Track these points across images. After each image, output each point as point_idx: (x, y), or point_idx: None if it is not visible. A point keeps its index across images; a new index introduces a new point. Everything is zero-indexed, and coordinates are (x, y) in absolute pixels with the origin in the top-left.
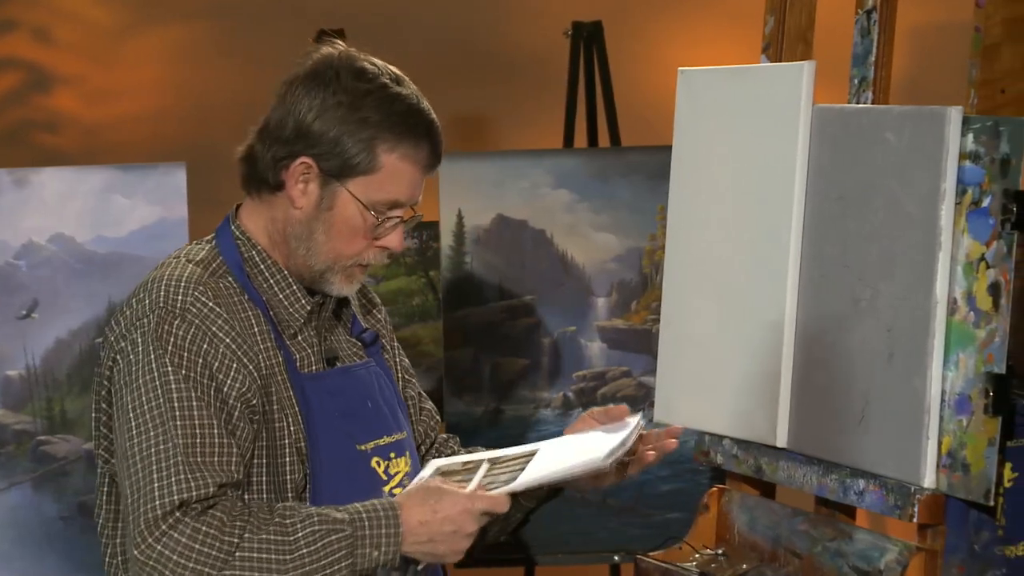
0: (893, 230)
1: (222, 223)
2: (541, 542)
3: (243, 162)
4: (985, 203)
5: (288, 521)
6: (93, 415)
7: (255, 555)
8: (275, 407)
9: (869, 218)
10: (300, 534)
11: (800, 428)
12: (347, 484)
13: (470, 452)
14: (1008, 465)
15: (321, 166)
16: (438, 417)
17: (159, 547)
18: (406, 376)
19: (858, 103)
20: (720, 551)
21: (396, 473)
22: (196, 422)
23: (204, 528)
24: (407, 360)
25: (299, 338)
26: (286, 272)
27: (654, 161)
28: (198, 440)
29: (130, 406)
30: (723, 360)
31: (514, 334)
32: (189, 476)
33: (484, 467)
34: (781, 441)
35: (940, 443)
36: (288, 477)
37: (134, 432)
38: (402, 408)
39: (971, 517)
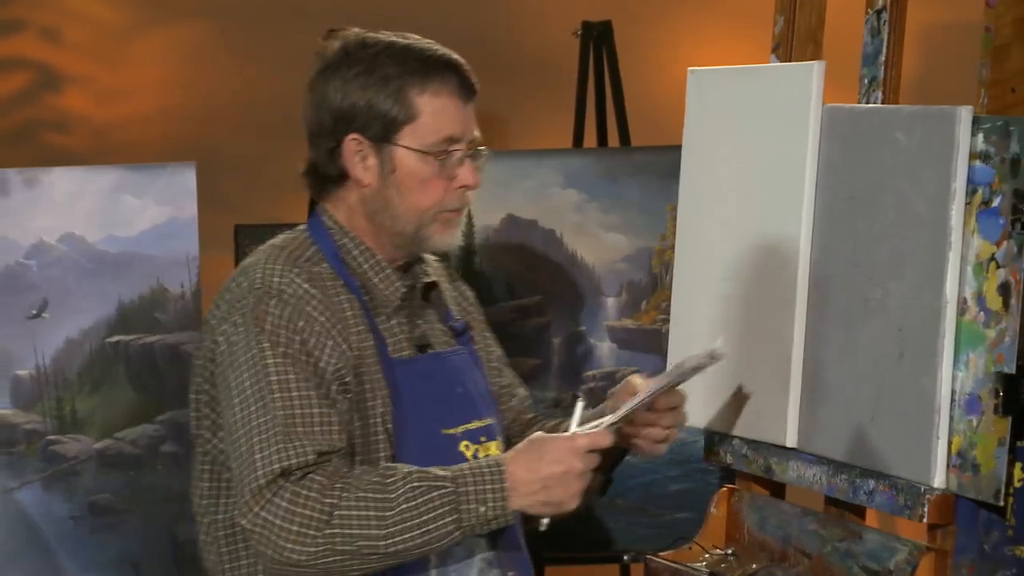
0: (903, 230)
1: (311, 217)
2: (550, 542)
3: (307, 176)
4: (995, 203)
5: (388, 480)
6: (193, 396)
7: (355, 512)
8: (366, 388)
9: (879, 218)
10: (400, 491)
11: (810, 428)
12: (434, 466)
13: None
14: (1018, 465)
15: (368, 136)
16: (530, 403)
17: (264, 514)
18: (498, 365)
19: (868, 103)
20: (730, 551)
21: (486, 457)
22: (294, 395)
23: (304, 492)
24: (499, 350)
25: (392, 323)
26: (379, 257)
27: (664, 161)
28: (296, 412)
29: (233, 384)
30: (733, 360)
31: (524, 334)
32: (288, 446)
33: (578, 411)
34: (791, 441)
35: (950, 443)
36: (380, 456)
37: (237, 409)
38: (491, 396)
39: (981, 517)
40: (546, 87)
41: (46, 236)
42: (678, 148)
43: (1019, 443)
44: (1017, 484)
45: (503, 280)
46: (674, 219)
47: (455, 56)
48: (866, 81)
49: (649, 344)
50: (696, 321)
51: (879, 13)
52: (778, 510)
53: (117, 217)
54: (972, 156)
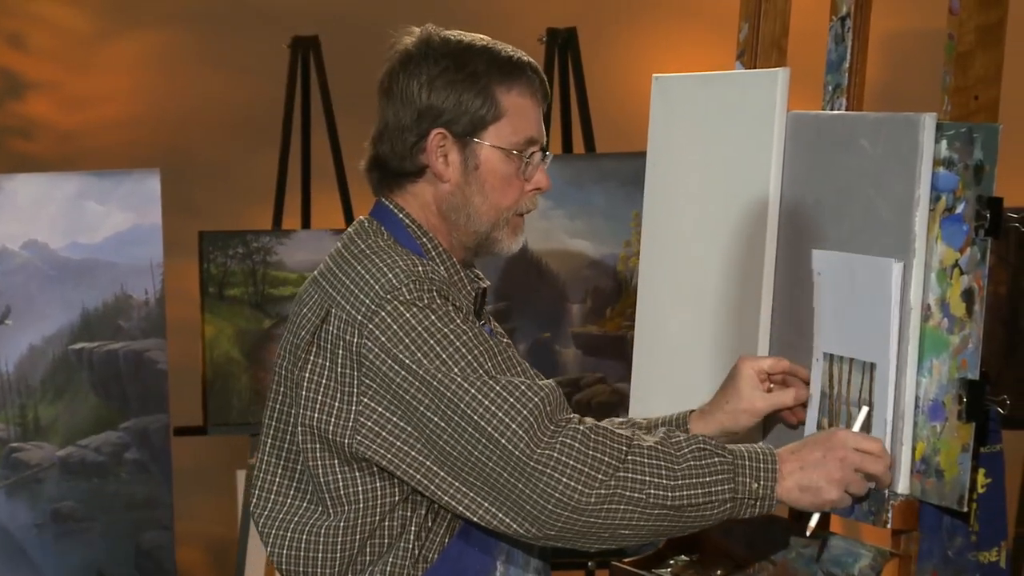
0: (868, 236)
1: (379, 214)
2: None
3: (370, 171)
4: (959, 209)
5: (673, 439)
6: (276, 406)
7: (646, 460)
8: None
9: (844, 224)
10: (686, 449)
11: (776, 435)
12: None
13: None
14: (982, 471)
15: (453, 131)
16: None
17: (552, 452)
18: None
19: (832, 110)
20: (694, 557)
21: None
22: (488, 345)
23: (593, 435)
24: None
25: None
26: (455, 259)
27: (629, 167)
28: (500, 358)
29: (419, 364)
30: (698, 366)
31: None
32: (534, 382)
33: (863, 415)
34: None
35: (914, 449)
36: None
37: (437, 384)
38: None
39: (945, 523)
40: None
41: (9, 243)
42: (643, 155)
43: (983, 449)
44: (980, 490)
45: None
46: (639, 226)
47: (532, 60)
48: (830, 88)
49: (614, 350)
50: (661, 328)
51: (843, 20)
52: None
53: (81, 224)
54: (936, 163)
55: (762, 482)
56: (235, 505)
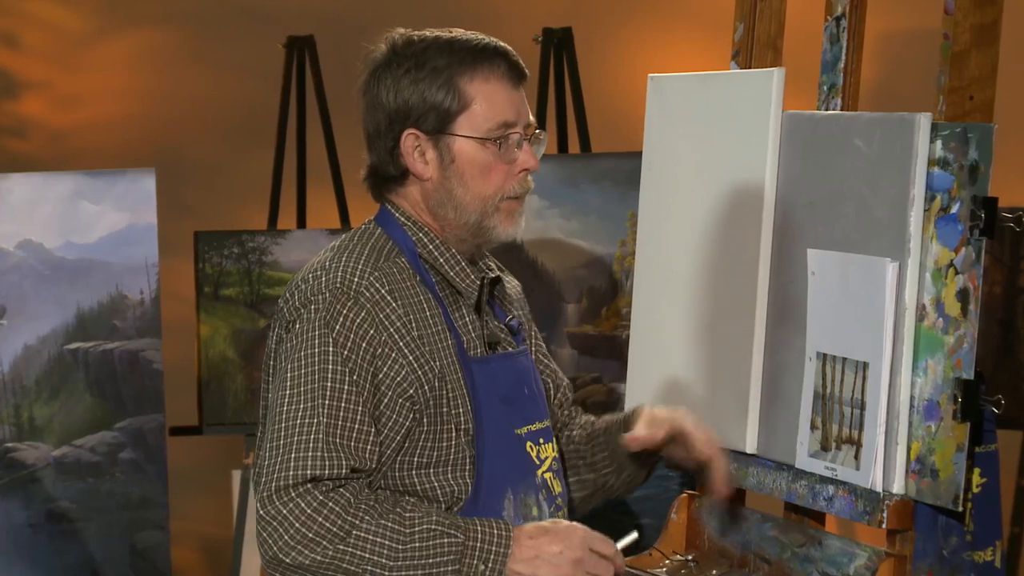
0: (863, 236)
1: (380, 214)
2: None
3: (368, 180)
4: (954, 209)
5: (408, 515)
6: (263, 386)
7: (371, 537)
8: (448, 390)
9: (839, 224)
10: (417, 528)
11: (769, 434)
12: (508, 466)
13: None
14: (976, 471)
15: (424, 129)
16: (569, 396)
17: (285, 511)
18: (544, 359)
19: (827, 109)
20: (690, 557)
21: (546, 458)
22: (344, 404)
23: (331, 504)
24: (542, 343)
25: (466, 320)
26: (455, 250)
27: (624, 167)
28: (341, 422)
29: (289, 376)
30: (693, 366)
31: None
32: (326, 455)
33: (629, 539)
34: (751, 447)
35: (909, 449)
36: (454, 457)
37: (287, 401)
38: (546, 398)
39: (940, 522)
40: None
41: (3, 243)
42: (639, 154)
43: (977, 449)
44: (975, 490)
45: None
46: (634, 226)
47: (501, 43)
48: (825, 88)
49: (609, 350)
50: (656, 328)
51: (838, 20)
52: (738, 516)
53: (76, 223)
54: (931, 163)
55: (490, 564)
56: (231, 505)
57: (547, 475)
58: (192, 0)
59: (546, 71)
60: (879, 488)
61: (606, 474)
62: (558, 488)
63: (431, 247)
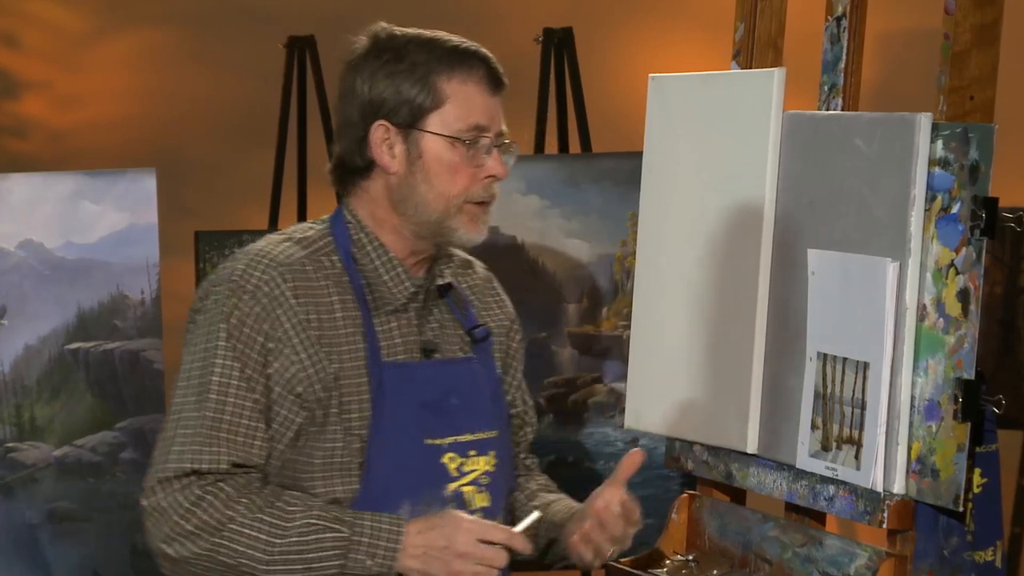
0: (863, 236)
1: (335, 211)
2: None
3: (333, 172)
4: (954, 209)
5: (290, 508)
6: None
7: (246, 531)
8: (344, 394)
9: (839, 224)
10: (296, 523)
11: (770, 434)
12: (409, 476)
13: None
14: (977, 471)
15: (395, 122)
16: (528, 436)
17: (164, 504)
18: (512, 383)
19: (828, 109)
20: (691, 557)
21: (471, 471)
22: (229, 400)
23: (209, 497)
24: (521, 377)
25: (393, 324)
26: (392, 254)
27: (625, 167)
28: (226, 418)
29: (183, 367)
30: (694, 366)
31: None
32: (206, 449)
33: (531, 519)
34: (752, 447)
35: (910, 449)
36: (341, 461)
37: (178, 393)
38: (500, 410)
39: (941, 522)
40: (507, 93)
41: (4, 242)
42: (639, 154)
43: (978, 449)
44: (976, 490)
45: None
46: (635, 226)
47: (483, 49)
48: (826, 88)
49: (610, 350)
50: (656, 327)
51: (839, 20)
52: (739, 516)
53: (76, 223)
54: (931, 163)
55: (378, 559)
56: None
57: (467, 488)
58: (192, 0)
59: (546, 71)
60: (880, 488)
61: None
62: (480, 503)
63: (368, 248)
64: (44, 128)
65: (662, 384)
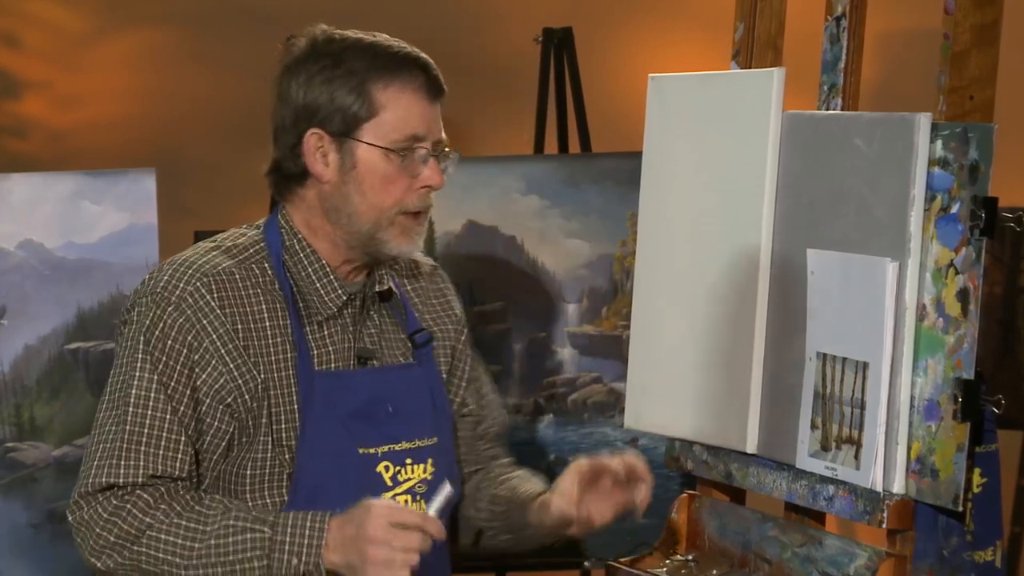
0: (863, 236)
1: (271, 214)
2: (511, 548)
3: (269, 175)
4: (954, 209)
5: (209, 512)
6: None
7: (164, 536)
8: (273, 403)
9: (839, 224)
10: (215, 526)
11: (770, 434)
12: (341, 486)
13: None
14: (977, 471)
15: (329, 131)
16: (495, 433)
17: (87, 517)
18: (464, 387)
19: (828, 109)
20: (691, 557)
21: (406, 480)
22: (149, 412)
23: (128, 507)
24: (476, 372)
25: (324, 332)
26: (324, 262)
27: (625, 167)
28: (144, 431)
29: (109, 381)
30: (693, 366)
31: (485, 340)
32: (122, 463)
33: (442, 494)
34: (751, 447)
35: (909, 449)
36: (269, 472)
37: (101, 407)
38: (440, 417)
39: (940, 522)
40: (507, 93)
41: (4, 242)
42: (639, 154)
43: (978, 449)
44: (976, 490)
45: (464, 287)
46: (635, 225)
47: (423, 55)
48: (826, 88)
49: (610, 350)
50: (656, 327)
51: (838, 20)
52: (738, 516)
53: (76, 223)
54: (931, 162)
55: (304, 557)
56: None
57: (402, 498)
58: (192, 0)
59: (546, 71)
60: (879, 488)
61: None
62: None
63: (300, 256)
64: (44, 128)
65: (662, 384)
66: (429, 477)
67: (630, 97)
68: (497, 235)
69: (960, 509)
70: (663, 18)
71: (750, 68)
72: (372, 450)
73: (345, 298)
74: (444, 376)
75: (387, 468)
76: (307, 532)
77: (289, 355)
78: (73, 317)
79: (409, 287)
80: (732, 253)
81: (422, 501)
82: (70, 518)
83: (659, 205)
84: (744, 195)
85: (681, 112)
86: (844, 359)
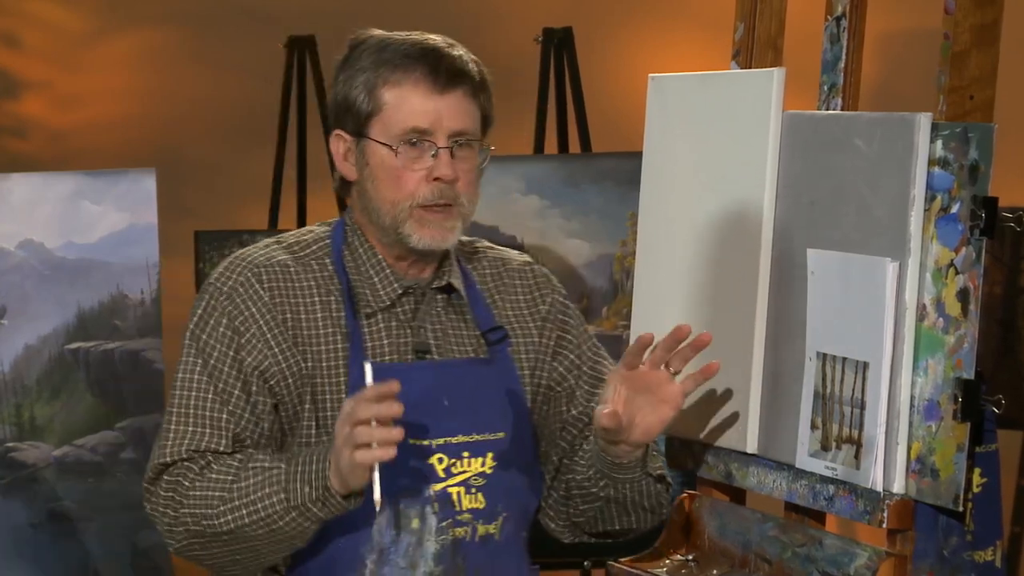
0: (863, 236)
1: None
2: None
3: (333, 175)
4: (954, 209)
5: (237, 465)
6: None
7: (199, 492)
8: (316, 390)
9: (839, 224)
10: (243, 472)
11: (770, 434)
12: (385, 475)
13: None
14: (977, 471)
15: (346, 131)
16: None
17: (150, 505)
18: (572, 393)
19: (828, 109)
20: (691, 557)
21: (460, 472)
22: (193, 392)
23: (177, 479)
24: (588, 366)
25: (381, 325)
26: (381, 257)
27: (625, 167)
28: (188, 411)
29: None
30: (693, 365)
31: None
32: (170, 442)
33: (368, 373)
34: (751, 447)
35: (909, 448)
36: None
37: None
38: (514, 411)
39: (940, 522)
40: (507, 93)
41: (4, 242)
42: (639, 154)
43: (978, 449)
44: (976, 489)
45: None
46: (635, 225)
47: (435, 48)
48: (826, 88)
49: (610, 350)
50: (657, 327)
51: (838, 20)
52: (738, 516)
53: (76, 223)
54: (931, 162)
55: (314, 483)
56: None
57: (454, 489)
58: (192, 0)
59: (546, 71)
60: (879, 488)
61: (598, 486)
62: (470, 504)
63: (360, 251)
64: (44, 128)
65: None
66: (488, 471)
67: (630, 97)
68: (497, 235)
69: (960, 509)
70: (663, 18)
71: (750, 68)
72: (426, 442)
73: (400, 291)
74: (527, 374)
75: (440, 460)
76: (314, 460)
77: (340, 345)
78: (73, 317)
79: (492, 283)
80: (732, 253)
81: (478, 494)
82: (147, 508)
83: (659, 205)
84: (744, 195)
85: (681, 112)
86: (844, 359)
